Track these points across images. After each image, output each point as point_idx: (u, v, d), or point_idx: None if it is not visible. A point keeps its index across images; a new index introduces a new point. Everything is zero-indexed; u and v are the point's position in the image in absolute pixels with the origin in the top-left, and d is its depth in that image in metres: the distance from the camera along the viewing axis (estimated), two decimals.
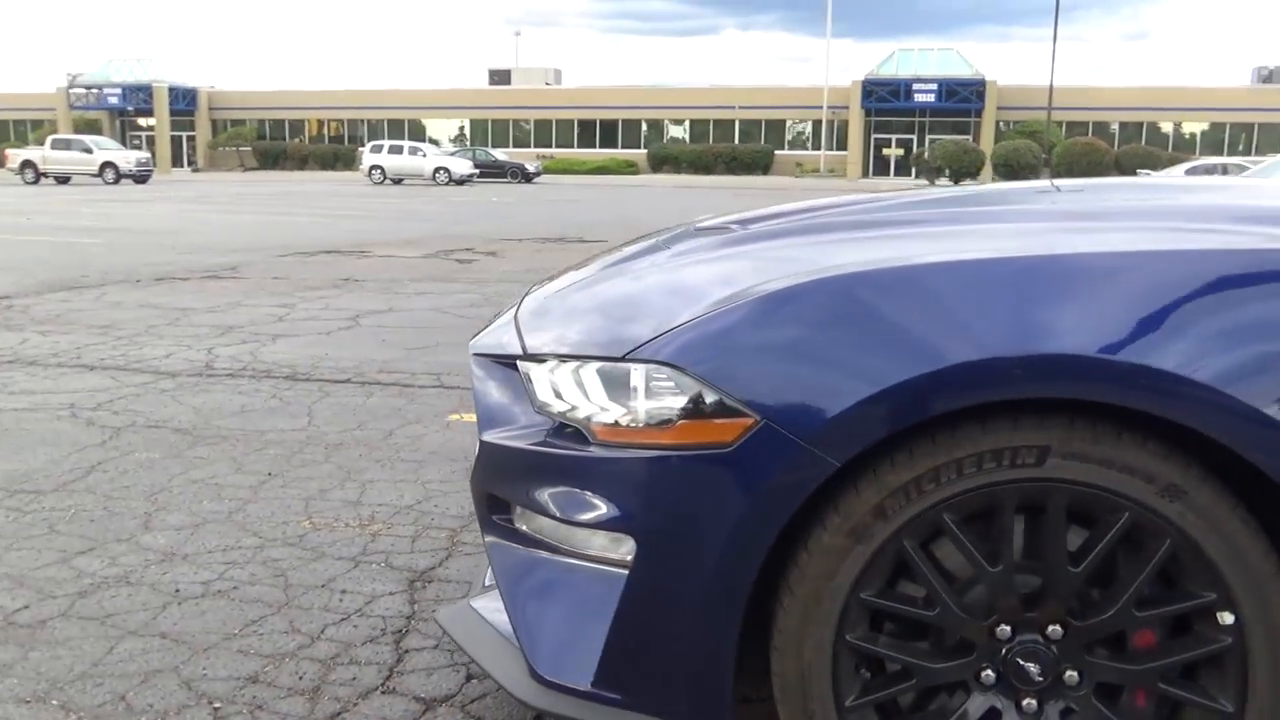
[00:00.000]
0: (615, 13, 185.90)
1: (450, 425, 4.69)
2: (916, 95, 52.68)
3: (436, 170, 41.36)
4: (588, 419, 1.80)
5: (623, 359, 1.76)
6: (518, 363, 1.98)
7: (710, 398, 1.67)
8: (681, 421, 1.69)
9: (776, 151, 56.03)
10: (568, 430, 1.85)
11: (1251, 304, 1.58)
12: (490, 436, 1.97)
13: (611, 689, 1.79)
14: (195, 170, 61.38)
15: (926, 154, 43.72)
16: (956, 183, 41.51)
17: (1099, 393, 1.56)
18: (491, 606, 2.11)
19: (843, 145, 55.10)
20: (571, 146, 60.21)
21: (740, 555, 1.67)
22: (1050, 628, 1.67)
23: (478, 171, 42.88)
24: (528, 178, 44.54)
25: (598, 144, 59.85)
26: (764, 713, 1.92)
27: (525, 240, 15.14)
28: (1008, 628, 1.67)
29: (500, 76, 65.66)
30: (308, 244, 14.09)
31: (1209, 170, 28.97)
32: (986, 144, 47.23)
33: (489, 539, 2.03)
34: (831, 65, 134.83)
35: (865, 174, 53.80)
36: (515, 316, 2.11)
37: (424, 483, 3.87)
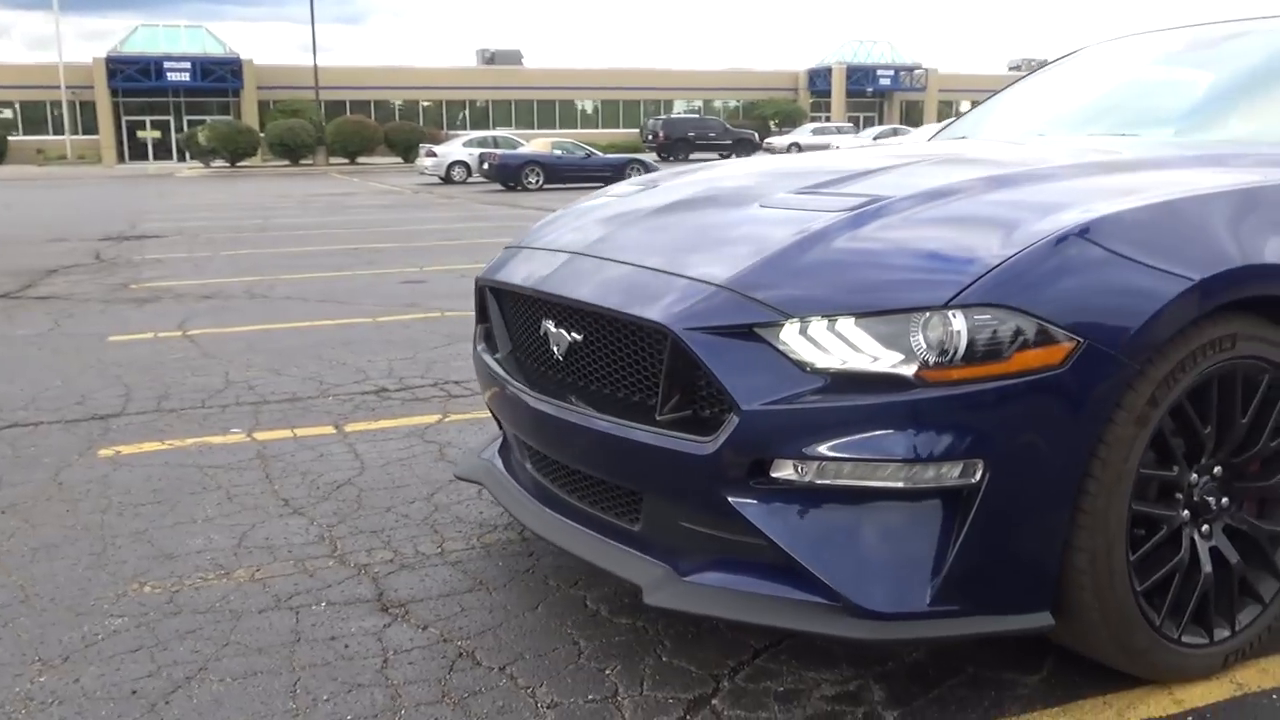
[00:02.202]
0: None
1: (118, 461, 3.94)
2: (170, 74, 49.75)
3: None
4: (906, 365, 1.96)
5: (944, 306, 1.95)
6: (757, 329, 2.05)
7: (1038, 330, 1.95)
8: (1015, 353, 1.95)
9: (10, 137, 49.21)
10: (852, 381, 1.98)
11: None
12: (757, 405, 2.00)
13: (949, 602, 1.99)
14: None
15: (199, 136, 41.57)
16: (234, 164, 40.45)
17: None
18: (724, 578, 2.15)
19: (91, 129, 50.33)
20: None
21: (1075, 457, 2.00)
22: (1215, 469, 2.22)
23: None
24: None
25: None
26: None
27: None
28: (1194, 475, 2.20)
29: None
30: None
31: (482, 142, 31.98)
32: (251, 123, 46.49)
33: (750, 504, 2.05)
34: (31, 40, 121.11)
35: (122, 159, 49.80)
36: (729, 284, 2.11)
37: (207, 520, 3.31)
